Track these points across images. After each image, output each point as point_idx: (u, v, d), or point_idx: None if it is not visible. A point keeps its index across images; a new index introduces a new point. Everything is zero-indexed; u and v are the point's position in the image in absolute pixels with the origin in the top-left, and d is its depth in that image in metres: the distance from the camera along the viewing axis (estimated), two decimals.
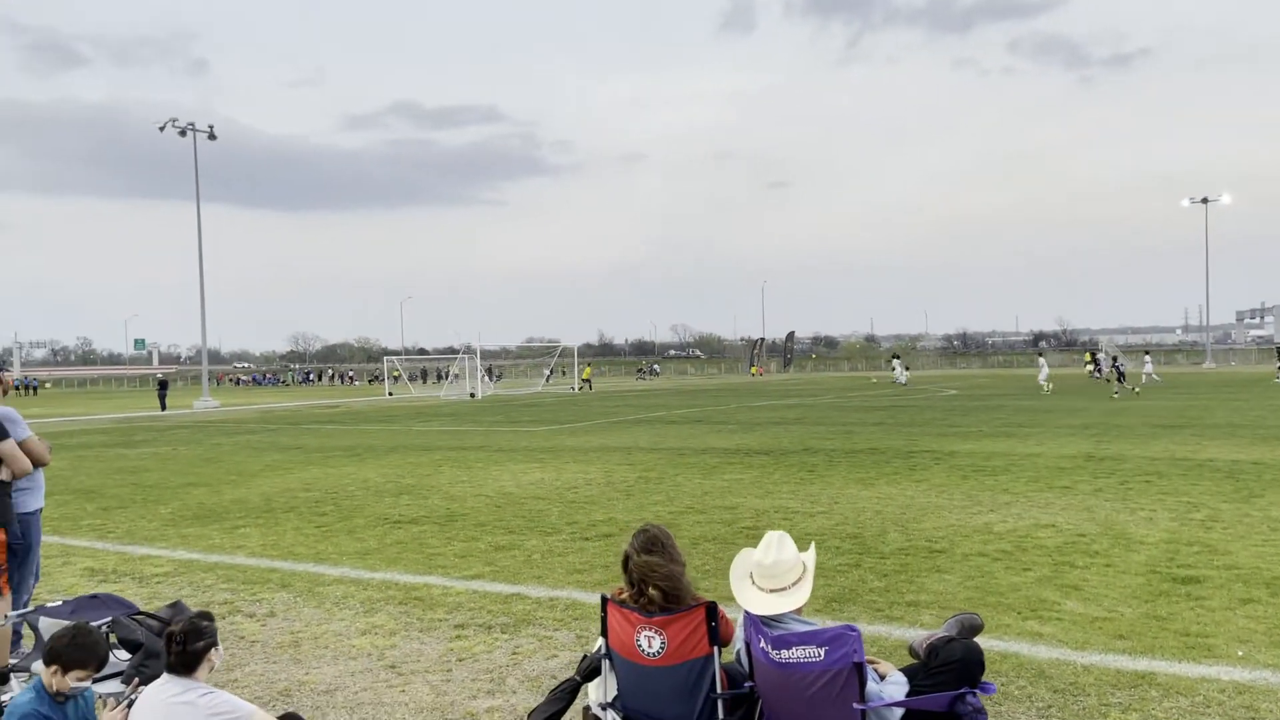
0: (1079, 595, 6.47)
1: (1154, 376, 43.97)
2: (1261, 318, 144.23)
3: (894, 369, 49.60)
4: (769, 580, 3.42)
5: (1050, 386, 38.09)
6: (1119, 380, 36.56)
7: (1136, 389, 37.00)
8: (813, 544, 3.65)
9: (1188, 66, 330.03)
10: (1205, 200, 76.51)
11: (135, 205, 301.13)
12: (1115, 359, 44.94)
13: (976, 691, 3.24)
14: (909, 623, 5.96)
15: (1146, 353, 52.80)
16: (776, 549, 3.49)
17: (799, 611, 3.46)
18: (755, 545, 8.15)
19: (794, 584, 3.42)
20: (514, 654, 5.61)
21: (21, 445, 5.28)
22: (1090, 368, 54.39)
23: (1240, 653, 5.19)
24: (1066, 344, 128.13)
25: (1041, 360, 42.79)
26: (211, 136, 47.63)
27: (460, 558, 8.33)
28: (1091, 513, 9.55)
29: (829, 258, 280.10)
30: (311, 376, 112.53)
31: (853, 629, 3.19)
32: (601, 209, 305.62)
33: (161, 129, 46.40)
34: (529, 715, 3.90)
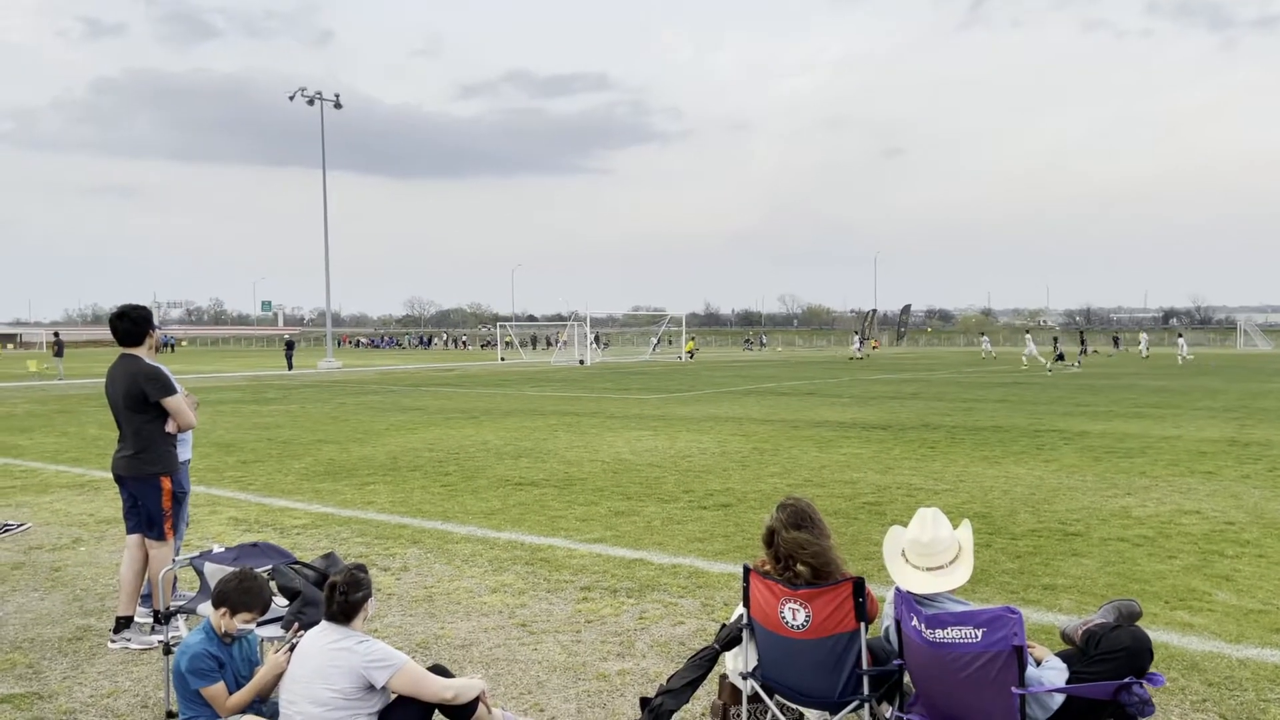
0: (1230, 586, 6.14)
1: (1187, 356, 44.38)
2: None
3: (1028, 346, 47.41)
4: (925, 558, 3.34)
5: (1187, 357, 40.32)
6: (1058, 360, 38.98)
7: (1075, 365, 39.96)
8: (967, 521, 3.54)
9: None
10: None
11: (264, 172, 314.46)
12: (1055, 339, 49.72)
13: (1144, 682, 3.10)
14: (1047, 606, 5.77)
15: (1116, 337, 55.80)
16: (933, 526, 3.40)
17: (954, 591, 3.37)
18: (882, 520, 8.03)
19: (951, 562, 3.33)
20: (640, 619, 5.67)
21: None
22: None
23: None
24: (1201, 321, 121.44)
25: (1181, 340, 45.80)
26: (337, 105, 49.13)
27: (581, 521, 8.45)
28: (1239, 500, 9.05)
29: (945, 228, 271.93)
30: (426, 340, 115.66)
31: (1014, 611, 3.08)
32: (710, 177, 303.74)
33: (291, 98, 48.10)
34: (668, 680, 3.93)
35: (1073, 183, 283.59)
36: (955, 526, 3.51)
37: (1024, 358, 43.22)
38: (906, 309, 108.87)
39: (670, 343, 75.80)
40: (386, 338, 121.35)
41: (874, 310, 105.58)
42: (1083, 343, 56.50)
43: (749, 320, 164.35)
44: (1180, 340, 45.49)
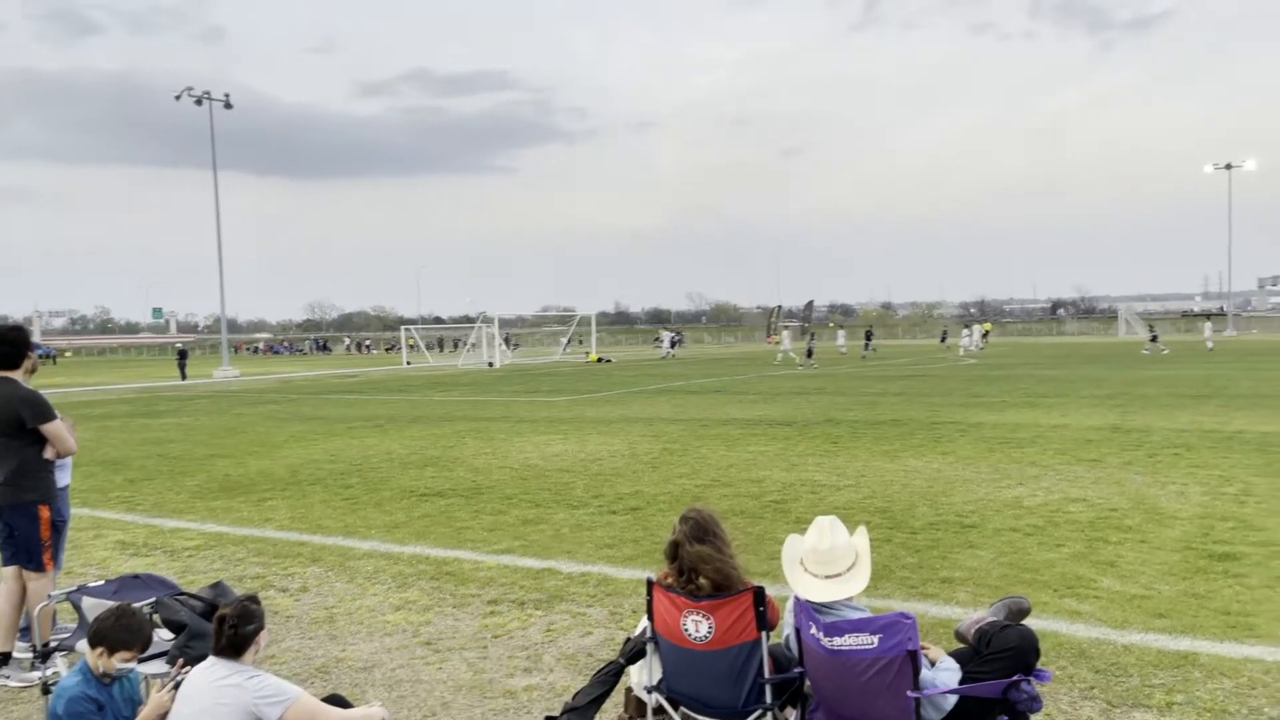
0: (1115, 572, 6.42)
1: (1162, 347, 46.16)
2: None
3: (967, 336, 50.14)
4: (823, 566, 3.38)
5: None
6: (808, 356, 41.04)
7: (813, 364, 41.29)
8: (863, 528, 3.60)
9: (1210, 28, 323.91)
10: (1229, 166, 75.41)
11: (152, 174, 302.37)
12: (812, 335, 52.58)
13: (1032, 679, 3.21)
14: (944, 600, 5.92)
15: (984, 328, 60.09)
16: (830, 534, 3.44)
17: (851, 598, 3.42)
18: (788, 518, 8.13)
19: (848, 569, 3.38)
20: (549, 631, 5.62)
21: None
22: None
23: None
24: (1085, 311, 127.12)
25: (1207, 324, 50.57)
26: (227, 105, 47.55)
27: (489, 531, 8.34)
28: (1122, 487, 9.47)
29: (845, 224, 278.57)
30: (323, 345, 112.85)
31: (908, 616, 3.15)
32: (616, 176, 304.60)
33: (178, 98, 46.35)
34: (573, 697, 3.89)
35: (964, 179, 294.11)
36: (852, 533, 3.56)
37: (961, 348, 46.87)
38: (810, 305, 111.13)
39: (580, 342, 75.70)
40: (286, 344, 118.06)
41: (779, 306, 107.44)
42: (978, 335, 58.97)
43: (659, 318, 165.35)
44: (1206, 325, 50.05)
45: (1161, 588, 6.03)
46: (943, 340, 59.53)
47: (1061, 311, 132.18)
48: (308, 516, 9.27)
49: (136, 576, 4.33)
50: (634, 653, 3.83)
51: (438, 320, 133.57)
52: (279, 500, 10.21)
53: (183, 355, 46.25)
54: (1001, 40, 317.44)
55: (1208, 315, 65.17)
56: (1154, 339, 46.26)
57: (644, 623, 3.83)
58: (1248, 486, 9.29)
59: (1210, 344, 46.35)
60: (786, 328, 57.80)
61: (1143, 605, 5.70)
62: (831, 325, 73.20)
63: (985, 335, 63.88)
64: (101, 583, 4.34)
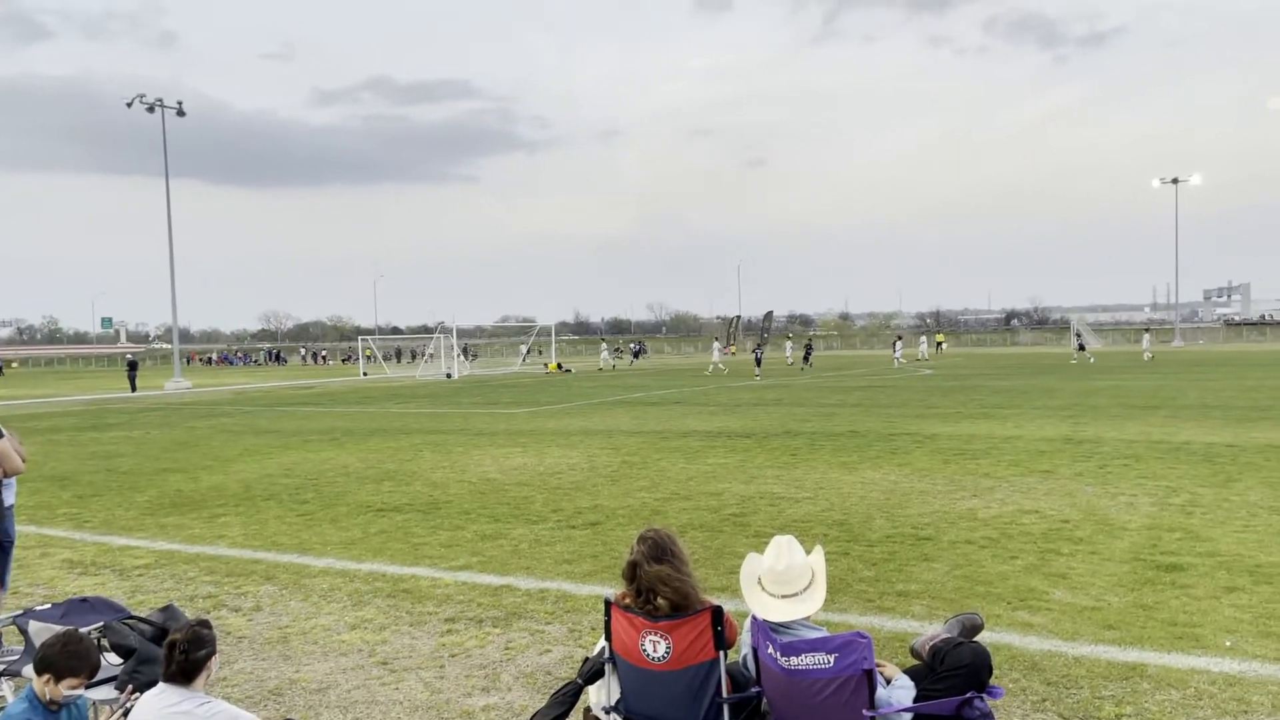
0: (1066, 584, 6.53)
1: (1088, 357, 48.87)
2: (1229, 296, 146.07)
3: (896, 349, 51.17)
4: (780, 586, 3.40)
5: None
6: (757, 365, 43.04)
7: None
8: (819, 547, 3.63)
9: (1160, 45, 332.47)
10: (1175, 180, 77.28)
11: (104, 181, 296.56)
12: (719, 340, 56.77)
13: (984, 696, 3.25)
14: (900, 614, 5.99)
15: (938, 339, 65.34)
16: (788, 554, 3.47)
17: (808, 616, 3.45)
18: (747, 531, 8.17)
19: (805, 589, 3.41)
20: (507, 649, 5.58)
21: None
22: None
23: (1228, 643, 5.25)
24: (1039, 322, 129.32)
25: (1146, 336, 53.68)
26: (180, 113, 46.80)
27: (446, 547, 8.27)
28: (1073, 498, 9.64)
29: (805, 236, 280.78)
30: (276, 355, 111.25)
31: (863, 636, 3.18)
32: (578, 186, 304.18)
33: (129, 105, 45.51)
34: (532, 718, 3.87)
35: (920, 190, 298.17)
36: (809, 551, 3.59)
37: (896, 361, 48.53)
38: (769, 315, 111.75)
39: (540, 352, 75.48)
40: (241, 354, 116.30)
41: (738, 316, 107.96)
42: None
43: (618, 329, 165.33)
44: (1145, 336, 52.53)
45: (1111, 599, 6.14)
46: (894, 349, 60.59)
47: (1015, 322, 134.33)
48: (262, 533, 9.13)
49: (84, 599, 4.24)
50: (592, 673, 3.83)
51: (396, 330, 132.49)
52: (232, 516, 10.05)
53: (133, 366, 45.37)
54: (958, 54, 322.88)
55: (1147, 327, 68.64)
56: (1080, 348, 49.34)
57: (602, 642, 3.83)
58: (1194, 497, 9.51)
59: (1148, 354, 47.96)
60: (716, 339, 59.19)
61: (1093, 617, 5.80)
62: (786, 336, 74.54)
63: (939, 346, 67.35)
64: (48, 606, 4.24)
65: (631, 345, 63.15)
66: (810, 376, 38.89)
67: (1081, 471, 11.30)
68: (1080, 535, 7.96)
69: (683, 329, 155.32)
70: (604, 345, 63.57)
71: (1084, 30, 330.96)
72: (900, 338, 56.61)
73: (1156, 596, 6.17)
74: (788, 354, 57.95)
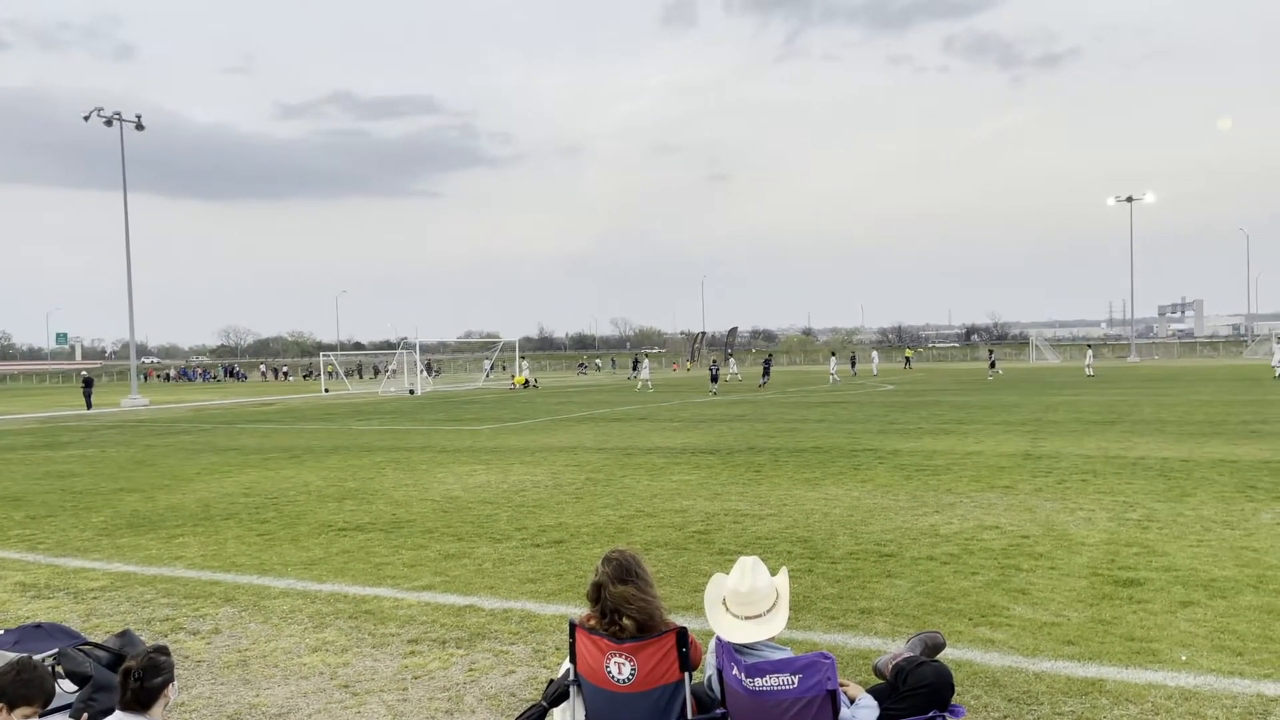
0: (1026, 600, 6.61)
1: (998, 372, 51.55)
2: (1182, 312, 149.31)
3: (831, 365, 51.07)
4: (744, 607, 3.42)
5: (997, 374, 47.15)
6: (712, 381, 42.87)
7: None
8: (784, 569, 3.65)
9: (1114, 66, 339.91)
10: (1130, 199, 78.94)
11: (59, 194, 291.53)
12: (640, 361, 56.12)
13: (947, 715, 3.28)
14: (864, 631, 6.02)
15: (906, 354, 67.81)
16: (752, 575, 3.48)
17: (772, 637, 3.46)
18: (711, 549, 8.18)
19: (769, 610, 3.42)
20: (470, 670, 5.54)
21: None
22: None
23: (1184, 657, 5.34)
24: (999, 337, 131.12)
25: (1089, 351, 56.15)
26: (139, 127, 46.22)
27: (409, 567, 8.20)
28: (1033, 513, 9.77)
29: (768, 251, 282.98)
30: (233, 370, 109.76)
31: (827, 656, 3.20)
32: (541, 202, 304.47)
33: (86, 118, 44.91)
34: None
35: (881, 207, 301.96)
36: (774, 572, 3.61)
37: (831, 378, 48.52)
38: (733, 330, 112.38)
39: (504, 368, 75.17)
40: (201, 370, 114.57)
41: (702, 332, 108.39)
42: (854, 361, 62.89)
43: (583, 344, 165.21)
44: (1088, 352, 54.11)
45: (1070, 614, 6.23)
46: (852, 366, 61.14)
47: (975, 337, 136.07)
48: (220, 554, 8.99)
49: (39, 625, 4.15)
50: (557, 695, 3.81)
51: (358, 346, 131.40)
52: (190, 537, 9.88)
53: (88, 383, 44.50)
54: (919, 73, 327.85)
55: (1089, 344, 72.14)
56: (992, 365, 51.69)
57: (566, 664, 3.82)
58: (1151, 512, 9.67)
59: (1090, 370, 48.87)
60: (647, 355, 59.49)
61: (1053, 633, 5.87)
62: (732, 354, 75.42)
63: (907, 361, 69.94)
64: (1, 632, 4.14)
65: (526, 363, 61.33)
66: (771, 391, 39.10)
67: (1041, 487, 11.45)
68: (1040, 550, 8.07)
69: (647, 344, 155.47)
70: (523, 364, 60.22)
71: (1039, 52, 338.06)
72: (835, 353, 56.68)
73: (1114, 611, 6.26)
74: (733, 369, 58.10)
